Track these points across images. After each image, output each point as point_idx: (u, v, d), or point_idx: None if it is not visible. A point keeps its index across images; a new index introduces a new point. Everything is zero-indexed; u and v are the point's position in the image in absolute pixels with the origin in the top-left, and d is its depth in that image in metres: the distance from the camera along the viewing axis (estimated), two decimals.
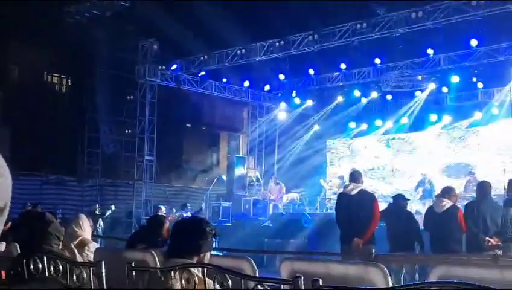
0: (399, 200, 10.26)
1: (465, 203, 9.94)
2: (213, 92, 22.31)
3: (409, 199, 11.24)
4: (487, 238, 8.19)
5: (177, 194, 23.05)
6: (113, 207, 19.23)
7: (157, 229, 6.17)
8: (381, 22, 16.24)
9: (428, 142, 22.00)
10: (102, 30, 20.36)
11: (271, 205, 19.88)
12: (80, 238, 6.17)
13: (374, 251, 8.19)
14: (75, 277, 3.58)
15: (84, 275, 3.52)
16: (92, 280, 3.53)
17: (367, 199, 8.73)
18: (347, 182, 9.63)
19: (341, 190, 9.29)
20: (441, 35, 15.88)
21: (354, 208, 8.57)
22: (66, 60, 22.49)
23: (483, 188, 8.91)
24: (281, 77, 21.65)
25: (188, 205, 18.86)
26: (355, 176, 9.02)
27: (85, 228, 6.32)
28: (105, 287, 3.39)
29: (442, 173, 21.01)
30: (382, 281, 2.91)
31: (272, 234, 16.03)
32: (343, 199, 8.98)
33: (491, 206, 8.66)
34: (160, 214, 16.75)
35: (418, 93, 21.10)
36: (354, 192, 8.70)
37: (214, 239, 3.66)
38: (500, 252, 7.94)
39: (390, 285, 2.82)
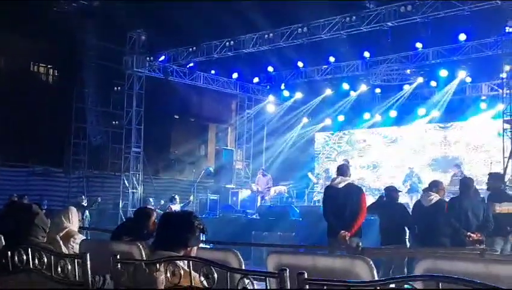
0: (391, 193, 10.29)
1: (449, 199, 9.99)
2: (201, 84, 22.23)
3: (400, 191, 11.31)
4: (469, 233, 8.26)
5: (165, 186, 23.00)
6: (99, 199, 19.14)
7: (143, 221, 6.17)
8: (370, 15, 16.23)
9: (416, 136, 22.10)
10: (90, 20, 20.22)
11: (258, 198, 19.89)
12: (66, 230, 6.14)
13: (360, 244, 8.21)
14: (59, 269, 3.54)
15: (69, 267, 3.49)
16: (76, 272, 3.50)
17: (354, 192, 8.76)
18: (334, 175, 9.65)
19: (328, 183, 9.30)
20: (430, 30, 15.89)
21: (342, 201, 8.59)
22: (53, 50, 22.33)
23: (465, 184, 8.99)
24: (270, 69, 21.62)
25: (176, 197, 18.81)
26: (342, 169, 9.03)
27: (73, 221, 6.30)
28: (89, 279, 3.36)
29: (429, 167, 21.13)
30: (368, 274, 2.91)
31: (259, 226, 16.02)
32: (330, 192, 8.99)
33: (473, 201, 8.72)
34: (148, 206, 16.75)
35: (406, 87, 21.16)
36: (341, 185, 8.72)
37: (201, 234, 3.63)
38: (483, 247, 8.00)
39: (376, 278, 2.82)
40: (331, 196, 8.86)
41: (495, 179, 9.08)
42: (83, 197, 18.67)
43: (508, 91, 14.80)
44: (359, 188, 9.26)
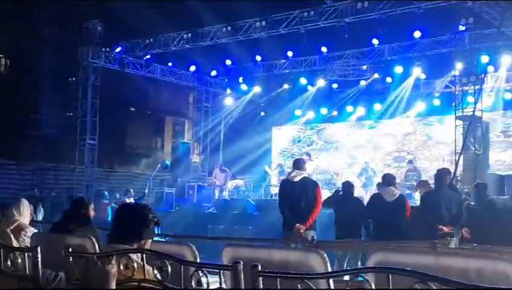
0: (348, 188, 10.42)
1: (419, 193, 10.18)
2: (158, 76, 22.01)
3: (355, 186, 11.48)
4: (440, 226, 8.38)
5: (120, 179, 22.72)
6: (53, 192, 18.78)
7: (82, 208, 6.30)
8: (328, 10, 16.37)
9: (371, 131, 22.42)
10: (45, 10, 19.77)
11: (215, 191, 19.85)
12: (17, 223, 6.02)
13: (315, 237, 8.29)
14: (9, 262, 3.47)
15: (19, 261, 3.42)
16: (27, 265, 3.44)
17: (310, 186, 8.83)
18: (290, 169, 9.71)
19: (284, 177, 9.36)
20: (386, 26, 16.14)
21: (297, 194, 8.65)
22: (5, 39, 21.72)
23: (440, 177, 9.03)
24: (228, 62, 21.57)
25: (131, 190, 18.62)
26: (298, 164, 9.10)
27: (24, 213, 6.19)
28: (40, 272, 3.30)
29: (384, 162, 21.48)
30: (322, 267, 2.93)
31: (215, 220, 16.02)
32: (286, 185, 9.04)
33: (446, 195, 8.82)
34: (103, 199, 16.57)
35: (362, 82, 21.44)
36: (297, 179, 8.78)
37: (156, 227, 3.60)
38: (454, 240, 8.16)
39: (329, 270, 2.85)
40: (287, 190, 8.91)
41: (443, 175, 9.20)
42: (36, 190, 18.29)
43: (460, 88, 15.13)
44: (315, 181, 9.35)
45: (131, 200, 16.77)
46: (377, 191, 10.11)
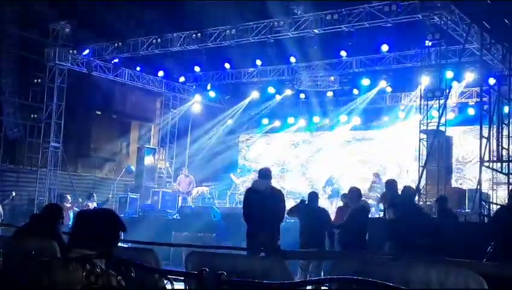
0: (313, 197, 10.50)
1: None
2: (125, 80, 21.82)
3: (319, 198, 11.58)
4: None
5: (83, 183, 22.39)
6: (13, 193, 18.38)
7: (56, 217, 6.18)
8: (297, 21, 16.50)
9: (337, 142, 22.61)
10: (11, 9, 19.44)
11: (180, 198, 19.76)
12: None
13: (280, 245, 8.32)
14: None
15: None
16: None
17: (275, 195, 8.87)
18: (256, 178, 9.73)
19: (249, 185, 9.39)
20: (354, 39, 16.33)
21: (263, 203, 8.66)
22: None
23: (407, 193, 9.31)
24: (197, 69, 21.53)
25: (94, 195, 18.39)
26: (265, 173, 9.11)
27: None
28: None
29: (349, 173, 21.64)
30: (285, 276, 2.95)
31: (179, 227, 15.93)
32: (251, 194, 9.04)
33: (413, 210, 9.03)
34: (65, 203, 16.28)
35: (330, 93, 21.65)
36: (262, 188, 8.80)
37: (120, 233, 3.56)
38: None
39: (295, 280, 2.86)
40: (252, 198, 8.92)
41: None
42: None
43: (425, 102, 15.37)
44: (280, 191, 9.39)
45: (94, 204, 16.57)
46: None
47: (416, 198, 13.40)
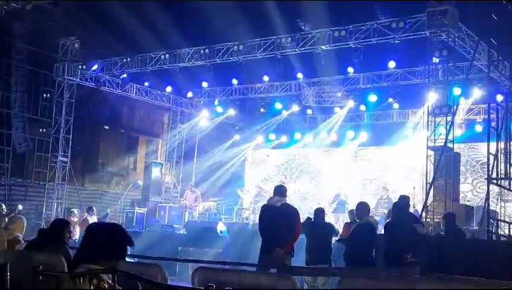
0: (320, 213, 10.51)
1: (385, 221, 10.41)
2: (134, 95, 21.95)
3: (326, 214, 11.62)
4: (406, 255, 8.50)
5: (90, 198, 22.42)
6: (20, 207, 18.40)
7: (62, 230, 6.22)
8: (305, 37, 16.58)
9: (345, 157, 22.57)
10: (21, 24, 19.63)
11: (186, 213, 19.74)
12: None
13: (291, 262, 8.35)
14: None
15: None
16: None
17: (291, 212, 8.87)
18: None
19: (265, 202, 9.41)
20: (362, 55, 16.37)
21: (278, 220, 8.65)
22: None
23: (399, 207, 9.31)
24: (204, 84, 21.62)
25: (94, 208, 18.27)
26: (280, 190, 9.10)
27: None
28: None
29: (356, 188, 21.57)
30: None
31: (186, 242, 15.90)
32: (267, 210, 9.04)
33: (406, 225, 9.02)
34: (72, 217, 16.26)
35: (337, 109, 21.66)
36: (278, 204, 8.81)
37: (127, 247, 3.56)
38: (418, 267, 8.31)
39: None
40: (268, 215, 8.91)
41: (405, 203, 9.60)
42: (3, 206, 17.92)
43: (432, 119, 15.34)
44: (295, 208, 9.36)
45: (94, 218, 16.52)
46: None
47: (424, 214, 13.38)
